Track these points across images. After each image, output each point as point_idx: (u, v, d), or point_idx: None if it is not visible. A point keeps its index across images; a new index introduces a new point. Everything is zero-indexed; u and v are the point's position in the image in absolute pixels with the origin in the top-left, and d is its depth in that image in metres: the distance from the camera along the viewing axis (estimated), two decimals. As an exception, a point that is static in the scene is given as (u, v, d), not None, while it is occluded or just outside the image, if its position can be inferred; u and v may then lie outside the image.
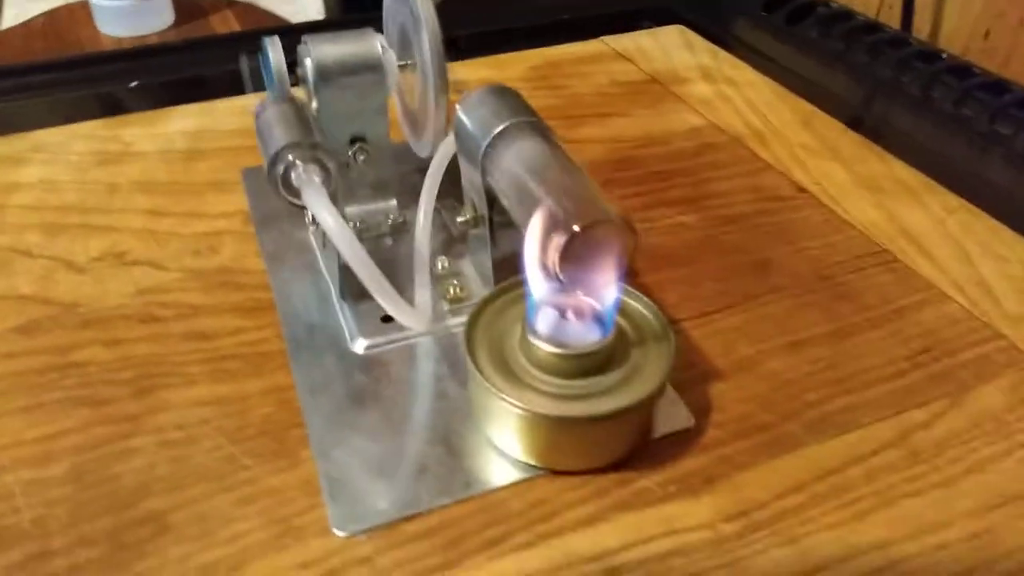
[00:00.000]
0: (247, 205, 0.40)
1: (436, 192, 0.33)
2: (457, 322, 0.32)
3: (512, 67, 0.53)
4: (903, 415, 0.30)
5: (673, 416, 0.29)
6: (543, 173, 0.28)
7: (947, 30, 0.58)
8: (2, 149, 0.43)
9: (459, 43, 0.61)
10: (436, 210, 0.35)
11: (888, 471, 0.28)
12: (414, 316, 0.30)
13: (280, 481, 0.27)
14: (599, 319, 0.28)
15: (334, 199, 0.29)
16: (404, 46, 0.35)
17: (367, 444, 0.28)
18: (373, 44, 0.34)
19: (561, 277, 0.25)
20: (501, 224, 0.32)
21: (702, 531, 0.26)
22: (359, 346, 0.32)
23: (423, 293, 0.32)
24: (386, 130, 0.36)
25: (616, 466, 0.27)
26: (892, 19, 0.59)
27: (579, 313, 0.28)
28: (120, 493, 0.27)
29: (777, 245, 0.38)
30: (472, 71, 0.52)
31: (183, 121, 0.46)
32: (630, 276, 0.35)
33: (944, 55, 0.53)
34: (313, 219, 0.32)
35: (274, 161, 0.29)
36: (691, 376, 0.31)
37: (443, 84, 0.33)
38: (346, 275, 0.32)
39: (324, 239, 0.33)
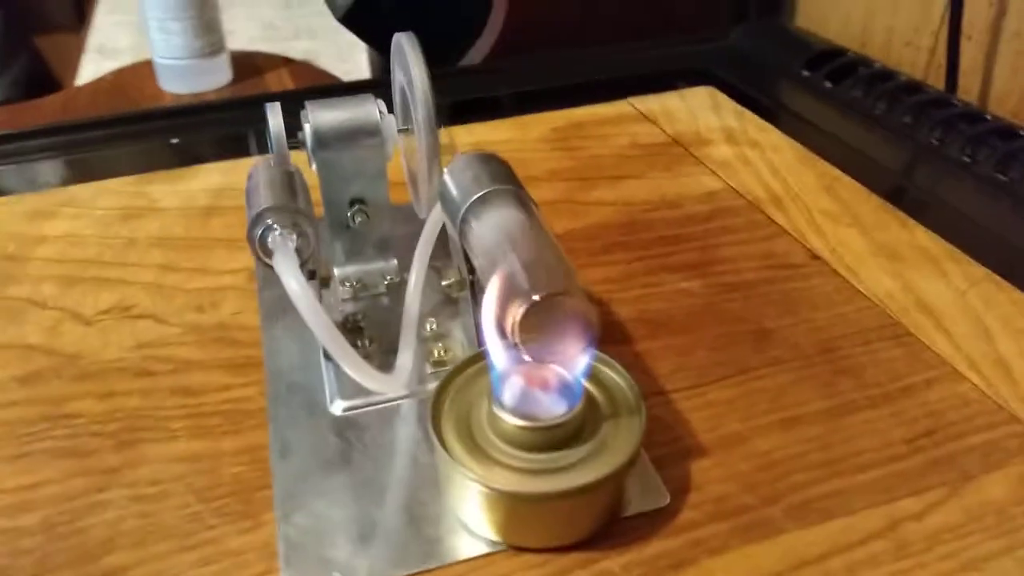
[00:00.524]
0: (253, 263, 0.40)
1: (429, 254, 0.33)
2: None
3: (534, 128, 0.53)
4: (895, 503, 0.28)
5: (648, 493, 0.28)
6: (513, 240, 0.27)
7: (996, 92, 0.57)
8: (36, 203, 0.46)
9: (501, 102, 0.62)
10: (435, 270, 0.35)
11: (871, 564, 0.26)
12: (383, 381, 0.30)
13: (241, 543, 0.27)
14: (568, 390, 0.27)
15: (314, 263, 0.29)
16: (406, 111, 0.36)
17: (329, 509, 0.28)
18: (371, 111, 0.34)
19: (520, 347, 0.25)
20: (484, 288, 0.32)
21: (661, 620, 0.25)
22: (337, 407, 0.32)
23: (405, 355, 0.32)
24: (386, 192, 0.36)
25: (581, 545, 0.26)
26: (940, 80, 0.58)
27: (545, 385, 0.27)
28: (87, 546, 0.27)
29: (781, 315, 0.36)
30: (492, 132, 0.52)
31: (208, 178, 0.48)
32: (624, 343, 0.35)
33: (988, 116, 0.51)
34: (312, 275, 0.32)
35: (254, 223, 0.29)
36: (673, 451, 0.30)
37: (434, 149, 0.33)
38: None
39: (320, 298, 0.33)
